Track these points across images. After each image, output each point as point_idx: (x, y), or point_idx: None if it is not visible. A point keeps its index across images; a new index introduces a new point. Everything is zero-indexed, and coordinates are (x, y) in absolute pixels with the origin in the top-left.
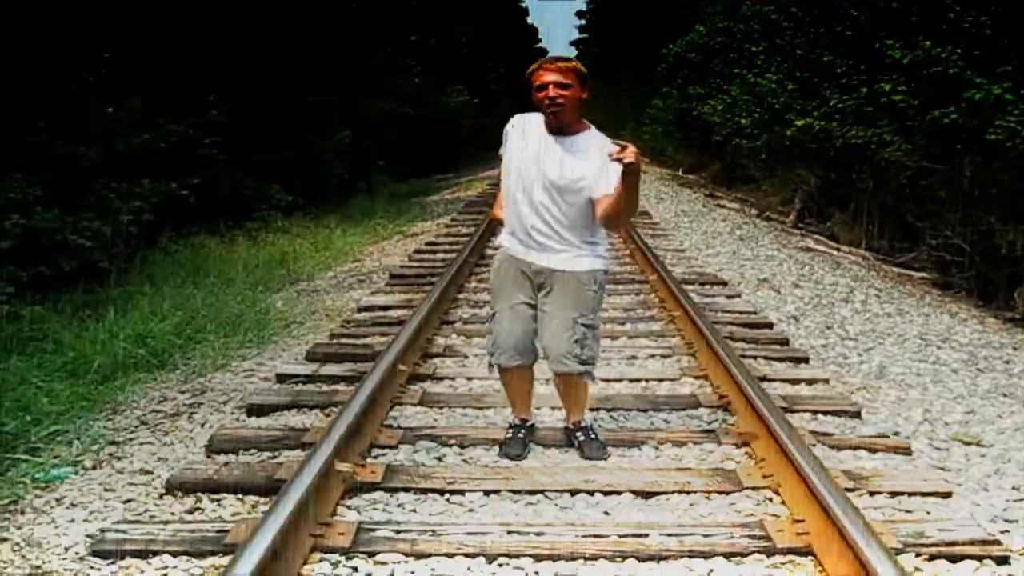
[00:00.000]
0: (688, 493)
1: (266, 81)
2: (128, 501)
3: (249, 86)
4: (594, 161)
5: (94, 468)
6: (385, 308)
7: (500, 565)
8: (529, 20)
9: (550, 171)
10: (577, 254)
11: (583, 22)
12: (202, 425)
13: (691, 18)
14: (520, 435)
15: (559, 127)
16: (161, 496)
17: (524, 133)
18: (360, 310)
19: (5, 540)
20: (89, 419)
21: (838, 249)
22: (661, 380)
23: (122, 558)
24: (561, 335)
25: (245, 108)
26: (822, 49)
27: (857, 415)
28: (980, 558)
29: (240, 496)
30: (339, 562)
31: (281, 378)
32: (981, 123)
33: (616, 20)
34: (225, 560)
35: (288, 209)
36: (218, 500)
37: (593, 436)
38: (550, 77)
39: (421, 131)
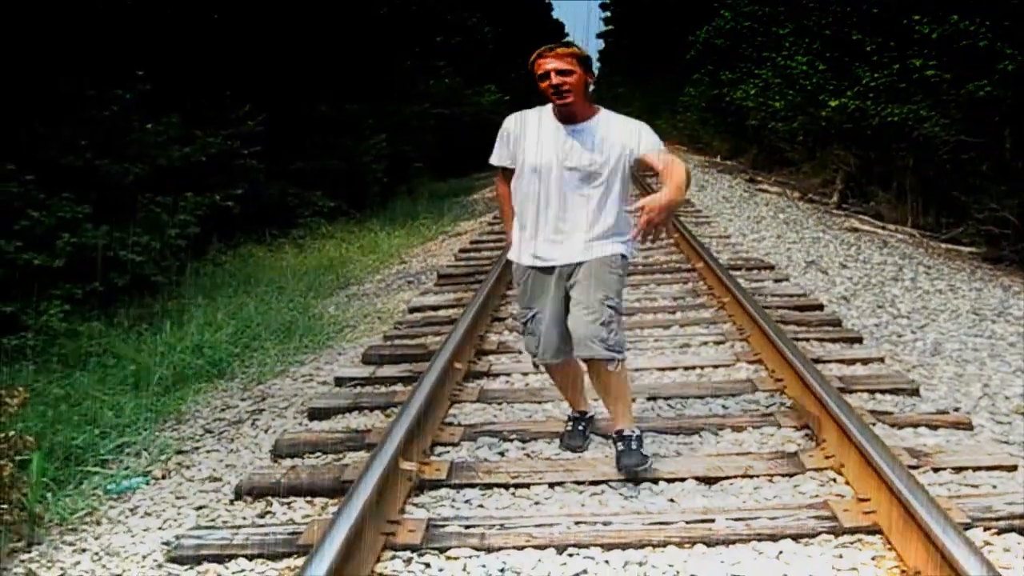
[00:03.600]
0: (751, 477)
1: (301, 91)
2: (200, 508)
3: (284, 96)
4: (616, 139)
5: (163, 477)
6: (436, 308)
7: (570, 555)
8: (555, 15)
9: (572, 159)
10: (602, 241)
11: (608, 14)
12: (266, 431)
13: (716, 3)
14: (580, 427)
15: (569, 115)
16: (232, 502)
17: (527, 129)
18: (411, 311)
19: (84, 551)
20: (155, 430)
21: (884, 228)
22: (716, 367)
23: (199, 563)
24: (586, 318)
25: (282, 118)
26: (850, 28)
27: (915, 392)
28: None
29: (309, 499)
30: (411, 559)
31: (340, 382)
32: (1015, 94)
33: (641, 9)
34: (300, 561)
35: (332, 215)
36: (288, 503)
37: (635, 447)
38: (550, 65)
39: (456, 130)
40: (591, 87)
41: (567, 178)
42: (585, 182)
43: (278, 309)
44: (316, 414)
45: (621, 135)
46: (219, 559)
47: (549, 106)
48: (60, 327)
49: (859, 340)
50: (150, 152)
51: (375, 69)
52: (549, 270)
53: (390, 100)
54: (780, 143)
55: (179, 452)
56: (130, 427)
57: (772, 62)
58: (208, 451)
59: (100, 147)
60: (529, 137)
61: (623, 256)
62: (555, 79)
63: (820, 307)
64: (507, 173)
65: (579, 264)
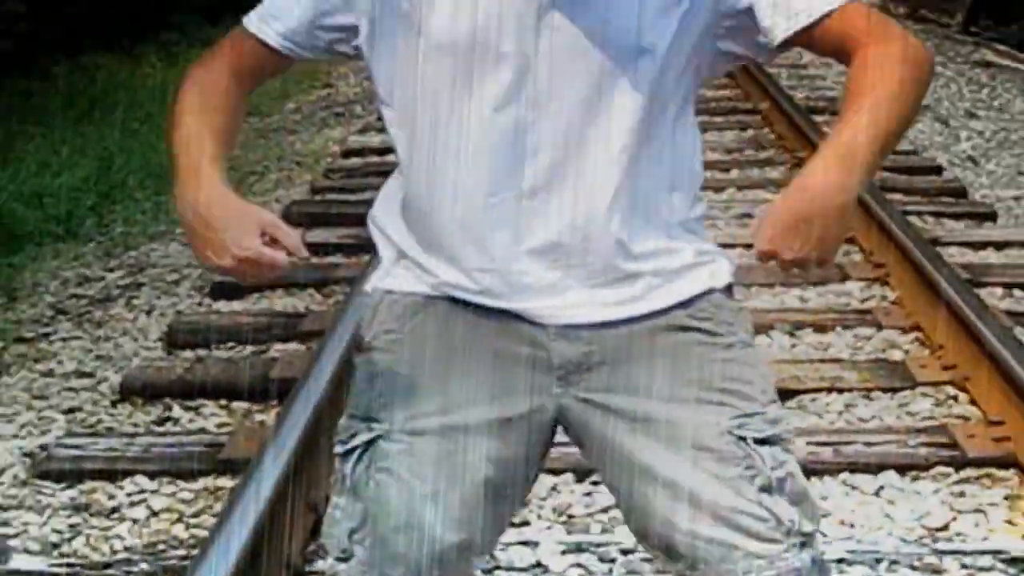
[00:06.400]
0: (840, 391)
1: None
2: (71, 411)
3: None
4: None
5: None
6: (383, 151)
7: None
8: None
9: (577, 17)
10: (668, 263)
11: None
12: (148, 312)
13: None
14: None
15: None
16: (114, 404)
17: None
18: (345, 154)
19: None
20: None
21: None
22: None
23: (80, 480)
24: (717, 486)
25: None
26: None
27: None
28: None
29: (224, 403)
30: None
31: None
32: None
33: None
34: (223, 481)
35: (216, 13)
36: (194, 408)
37: None
38: None
39: None
40: None
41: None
42: (612, 82)
43: (149, 144)
44: (222, 291)
45: None
46: (108, 475)
47: None
48: None
49: (992, 217)
50: None
51: None
52: (509, 329)
53: None
54: None
55: (20, 340)
56: None
57: None
58: (65, 338)
59: None
60: None
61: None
62: None
63: (938, 170)
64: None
65: (613, 328)
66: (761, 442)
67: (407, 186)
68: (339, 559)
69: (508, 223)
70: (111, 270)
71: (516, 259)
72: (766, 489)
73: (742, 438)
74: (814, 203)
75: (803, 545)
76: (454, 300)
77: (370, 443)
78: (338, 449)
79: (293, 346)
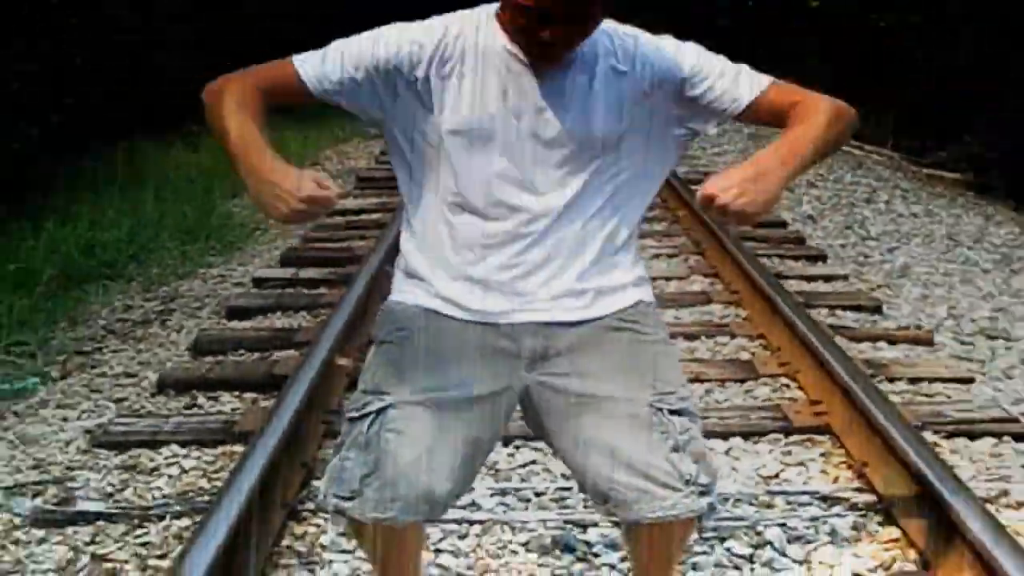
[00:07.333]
0: (702, 381)
1: None
2: (120, 400)
3: None
4: (642, 73)
5: (64, 377)
6: (358, 212)
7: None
8: None
9: (550, 125)
10: (611, 281)
11: None
12: (178, 331)
13: None
14: None
15: (551, 55)
16: (153, 395)
17: (464, 55)
18: (331, 214)
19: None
20: (47, 332)
21: (861, 148)
22: (668, 279)
23: (128, 448)
24: (638, 444)
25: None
26: None
27: (878, 310)
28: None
29: (238, 393)
30: None
31: (258, 282)
32: None
33: None
34: (237, 448)
35: None
36: (214, 397)
37: None
38: None
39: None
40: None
41: (539, 157)
42: (576, 166)
43: (178, 208)
44: (235, 313)
45: (654, 63)
46: (150, 444)
47: (492, 10)
48: None
49: (823, 258)
50: None
51: None
52: (488, 329)
53: None
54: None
55: (79, 353)
56: (17, 328)
57: None
58: (114, 351)
59: None
60: (466, 74)
61: (654, 303)
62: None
63: (783, 224)
64: (301, 91)
65: (569, 328)
66: (674, 412)
67: (443, 227)
68: (345, 498)
69: (485, 263)
70: (148, 300)
71: (490, 285)
72: (675, 449)
73: (660, 409)
74: (759, 170)
75: (702, 494)
76: (441, 313)
77: (381, 410)
78: (352, 414)
79: (290, 352)
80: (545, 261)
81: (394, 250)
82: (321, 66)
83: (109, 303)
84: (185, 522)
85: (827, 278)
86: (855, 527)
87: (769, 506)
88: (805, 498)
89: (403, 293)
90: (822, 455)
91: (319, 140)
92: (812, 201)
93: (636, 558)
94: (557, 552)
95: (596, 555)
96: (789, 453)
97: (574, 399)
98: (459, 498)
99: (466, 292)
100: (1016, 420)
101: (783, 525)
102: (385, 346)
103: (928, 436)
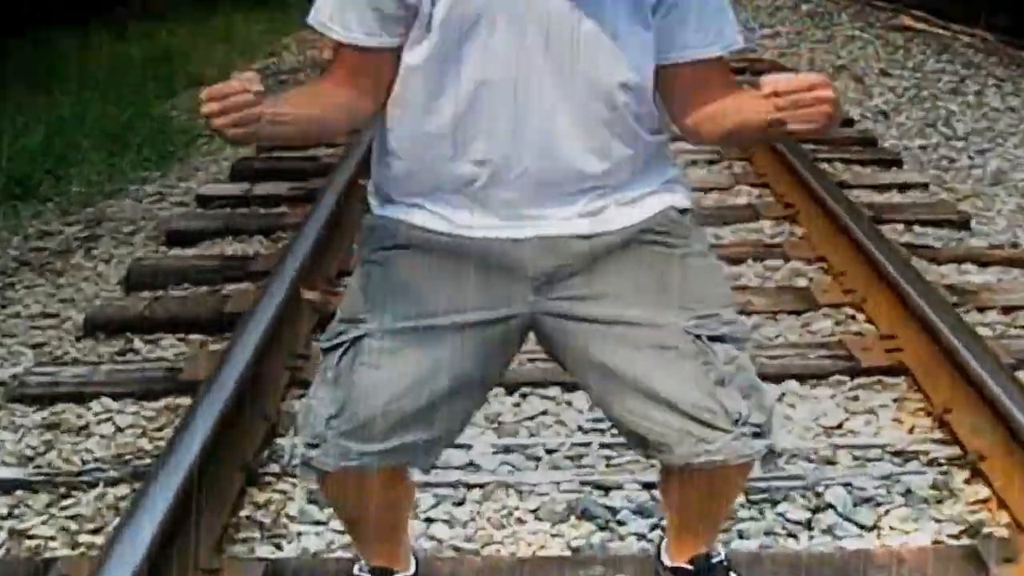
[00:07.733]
0: (749, 314)
1: None
2: (39, 345)
3: None
4: None
5: None
6: None
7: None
8: None
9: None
10: (639, 191)
11: None
12: (107, 261)
13: None
14: None
15: None
16: (79, 339)
17: None
18: None
19: None
20: None
21: (946, 28)
22: (708, 190)
23: (51, 403)
24: (673, 379)
25: None
26: None
27: (965, 225)
28: None
29: (182, 335)
30: None
31: (203, 201)
32: None
33: None
34: (183, 400)
35: None
36: (154, 340)
37: None
38: None
39: None
40: None
41: (568, 46)
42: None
43: (102, 111)
44: (176, 238)
45: None
46: (76, 398)
47: None
48: None
49: (898, 163)
50: None
51: None
52: (487, 246)
53: None
54: None
55: None
56: None
57: None
58: (29, 287)
59: None
60: None
61: (691, 211)
62: None
63: (850, 122)
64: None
65: (583, 242)
66: (715, 339)
67: (398, 142)
68: (310, 445)
69: (511, 166)
70: (69, 224)
71: (504, 198)
72: (720, 382)
73: (698, 336)
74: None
75: (756, 435)
76: (444, 232)
77: (356, 340)
78: (324, 345)
79: (244, 285)
80: (576, 162)
81: (369, 157)
82: (342, 15)
83: (20, 228)
84: (122, 490)
85: (903, 187)
86: (935, 486)
87: (831, 462)
88: (875, 452)
89: (384, 207)
90: (895, 400)
91: (274, 25)
92: (885, 93)
93: (675, 513)
94: (573, 520)
95: (621, 523)
96: (855, 399)
97: (596, 327)
98: (446, 445)
99: (460, 204)
100: None
101: (848, 485)
102: (367, 267)
103: None
